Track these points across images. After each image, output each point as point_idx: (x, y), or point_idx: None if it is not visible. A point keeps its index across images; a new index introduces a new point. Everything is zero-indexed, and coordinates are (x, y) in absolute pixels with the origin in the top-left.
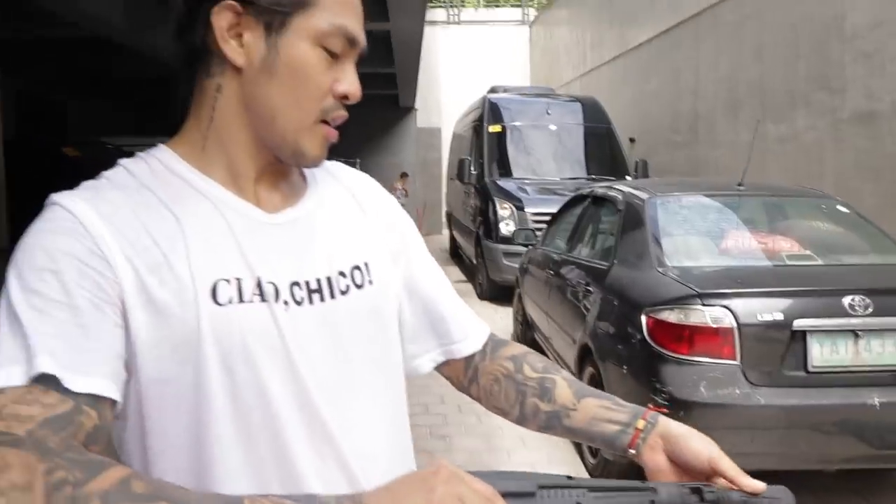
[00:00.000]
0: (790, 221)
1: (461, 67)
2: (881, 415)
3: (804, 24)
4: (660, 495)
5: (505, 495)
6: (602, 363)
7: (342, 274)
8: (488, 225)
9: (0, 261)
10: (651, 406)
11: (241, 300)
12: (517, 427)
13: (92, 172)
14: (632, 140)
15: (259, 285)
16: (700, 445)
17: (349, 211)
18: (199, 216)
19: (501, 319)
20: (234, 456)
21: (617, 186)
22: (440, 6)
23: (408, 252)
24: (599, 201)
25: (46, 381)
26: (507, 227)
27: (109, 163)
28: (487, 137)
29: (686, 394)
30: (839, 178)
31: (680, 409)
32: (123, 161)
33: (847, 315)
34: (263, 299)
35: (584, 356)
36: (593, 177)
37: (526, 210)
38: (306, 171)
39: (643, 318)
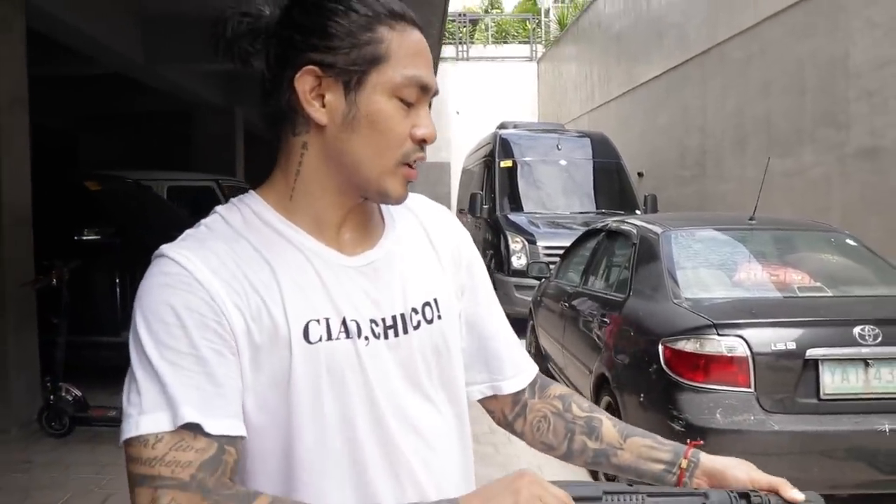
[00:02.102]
0: (801, 254)
1: (470, 102)
2: (891, 441)
3: (810, 62)
4: (711, 500)
5: (576, 499)
6: (619, 392)
7: (414, 310)
8: (500, 258)
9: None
10: (690, 441)
11: (329, 338)
12: (532, 456)
13: (112, 206)
14: (640, 175)
15: (344, 324)
16: (740, 474)
17: (422, 248)
18: (290, 264)
19: None
20: (319, 478)
21: (631, 220)
22: (450, 43)
23: (474, 288)
24: (613, 235)
25: (191, 428)
26: (518, 261)
27: (130, 196)
28: (499, 172)
29: (702, 421)
30: (846, 211)
31: (697, 435)
32: (219, 209)
33: (857, 344)
34: (348, 336)
35: (601, 385)
36: (603, 211)
37: (538, 244)
38: (384, 210)
39: (660, 348)
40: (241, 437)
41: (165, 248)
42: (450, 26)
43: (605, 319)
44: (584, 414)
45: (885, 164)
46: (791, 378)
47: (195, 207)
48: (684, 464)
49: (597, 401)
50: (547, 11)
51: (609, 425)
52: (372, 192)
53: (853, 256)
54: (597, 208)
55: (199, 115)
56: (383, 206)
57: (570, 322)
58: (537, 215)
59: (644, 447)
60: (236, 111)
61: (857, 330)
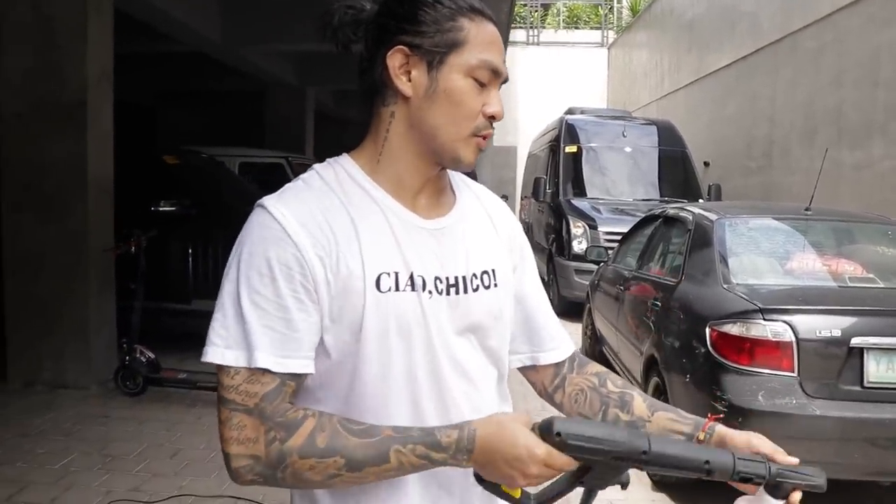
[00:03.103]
0: (855, 245)
1: (539, 87)
2: None
3: (885, 52)
4: (713, 463)
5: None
6: (667, 373)
7: (475, 275)
8: (561, 243)
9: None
10: (710, 415)
11: (396, 289)
12: None
13: (189, 178)
14: (706, 164)
15: (411, 278)
16: (741, 442)
17: (484, 226)
18: (369, 219)
19: (571, 335)
20: (378, 408)
21: (688, 207)
22: (521, 27)
23: (523, 268)
24: (670, 221)
25: (261, 371)
26: (579, 245)
27: (205, 171)
28: (563, 157)
29: (745, 402)
30: None
31: (738, 416)
32: (316, 166)
33: None
34: (413, 289)
35: (650, 367)
36: (666, 199)
37: (599, 229)
38: (455, 188)
39: (707, 331)
40: (305, 374)
41: (266, 202)
42: (521, 10)
43: (658, 303)
44: (617, 389)
45: None
46: (835, 365)
47: (265, 182)
48: (701, 436)
49: (646, 381)
50: None
51: (640, 400)
52: (447, 158)
53: None
54: (660, 196)
55: (272, 94)
56: (454, 185)
57: (624, 305)
58: (600, 201)
59: (668, 420)
60: (308, 91)
61: None
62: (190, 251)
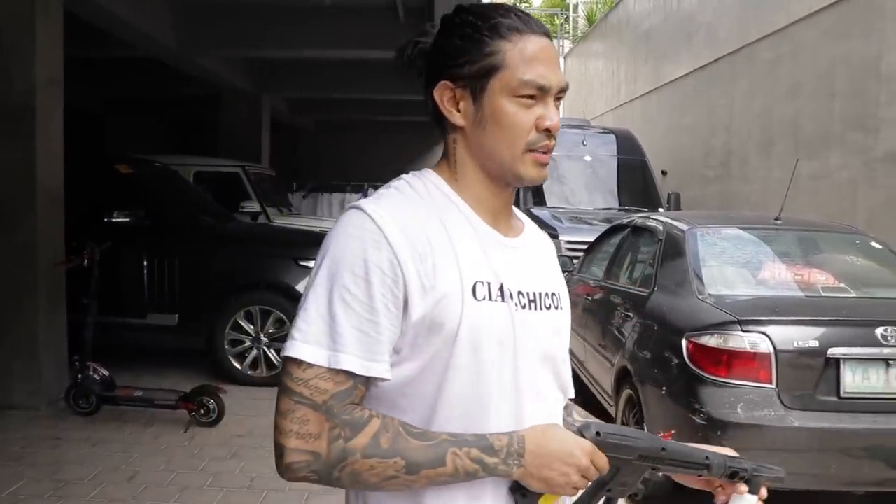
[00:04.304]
0: (825, 255)
1: None
2: None
3: (841, 64)
4: (711, 461)
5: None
6: (641, 385)
7: (546, 294)
8: None
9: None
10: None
11: (490, 299)
12: None
13: (144, 188)
14: (664, 173)
15: (501, 289)
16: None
17: (546, 255)
18: (462, 231)
19: None
20: (456, 419)
21: (657, 217)
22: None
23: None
24: (639, 231)
25: (338, 371)
26: None
27: (159, 180)
28: None
29: (724, 415)
30: (871, 215)
31: (717, 428)
32: (405, 177)
33: (879, 345)
34: (503, 300)
35: (622, 379)
36: (626, 208)
37: (560, 238)
38: (521, 218)
39: (684, 343)
40: (381, 379)
41: (364, 204)
42: None
43: (629, 314)
44: (581, 419)
45: None
46: (812, 376)
47: (221, 193)
48: None
49: (618, 394)
50: (575, 7)
51: None
52: (510, 177)
53: (877, 259)
54: (620, 205)
55: (227, 101)
56: (520, 214)
57: (591, 316)
58: (560, 210)
59: None
60: (263, 99)
61: (879, 331)
62: (145, 264)
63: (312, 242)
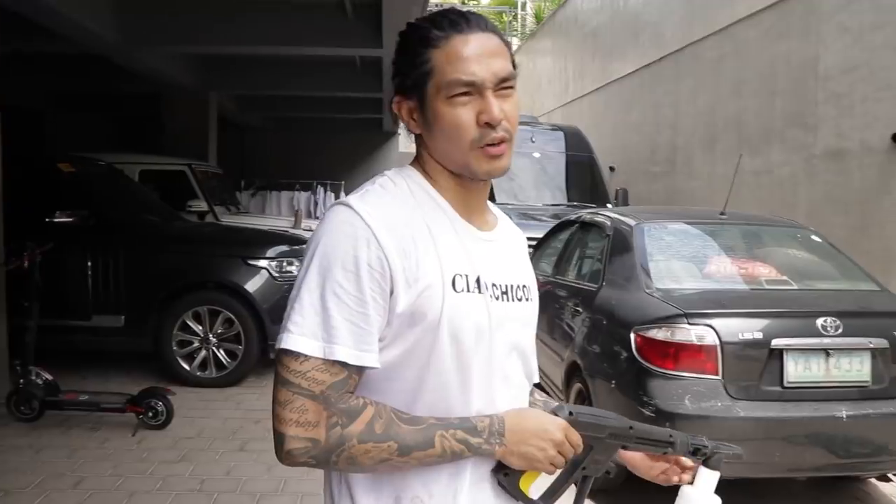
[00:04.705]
0: (768, 249)
1: None
2: (848, 427)
3: (781, 63)
4: (675, 440)
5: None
6: (591, 379)
7: (517, 286)
8: None
9: None
10: None
11: (468, 290)
12: None
13: (87, 188)
14: (612, 169)
15: (478, 281)
16: None
17: (517, 248)
18: (442, 227)
19: None
20: (436, 402)
21: (604, 213)
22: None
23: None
24: (587, 227)
25: (333, 362)
26: None
27: (103, 179)
28: None
29: (671, 406)
30: (811, 210)
31: (665, 420)
32: (387, 173)
33: (820, 335)
34: (480, 291)
35: (572, 373)
36: (574, 204)
37: None
38: (495, 212)
39: (632, 336)
40: (372, 368)
41: (352, 201)
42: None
43: (578, 309)
44: (541, 399)
45: (849, 165)
46: (757, 367)
47: (167, 192)
48: None
49: (568, 387)
50: (524, 5)
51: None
52: (467, 173)
53: (818, 252)
54: (568, 201)
55: (173, 98)
56: (494, 209)
57: (541, 311)
58: (509, 206)
59: None
60: (210, 96)
61: (819, 321)
62: (89, 265)
63: (261, 241)
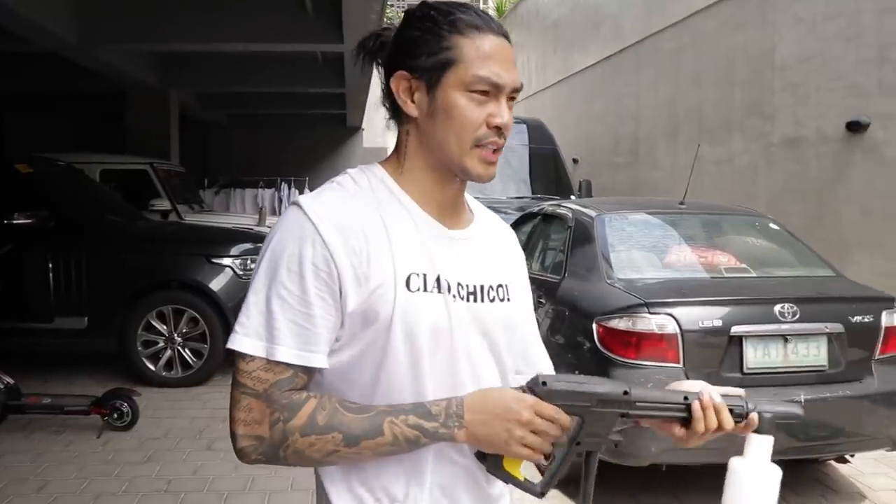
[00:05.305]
0: (727, 237)
1: None
2: (806, 411)
3: (739, 54)
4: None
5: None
6: (554, 369)
7: (491, 287)
8: None
9: None
10: None
11: (425, 290)
12: None
13: (46, 188)
14: (575, 161)
15: (438, 280)
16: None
17: (498, 246)
18: (400, 224)
19: None
20: (396, 397)
21: (566, 204)
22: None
23: (526, 296)
24: (549, 219)
25: (277, 363)
26: None
27: (62, 180)
28: None
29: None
30: (770, 198)
31: None
32: (350, 171)
33: (778, 321)
34: (440, 291)
35: None
36: (539, 196)
37: None
38: (474, 208)
39: (594, 326)
40: (318, 369)
41: (302, 201)
42: (389, 12)
43: (541, 300)
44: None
45: (806, 154)
46: (717, 354)
47: (129, 191)
48: None
49: None
50: None
51: None
52: (457, 170)
53: (776, 240)
54: (532, 194)
55: (134, 96)
56: (470, 204)
57: None
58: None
59: None
60: (171, 94)
61: (777, 308)
62: (50, 266)
63: (224, 239)
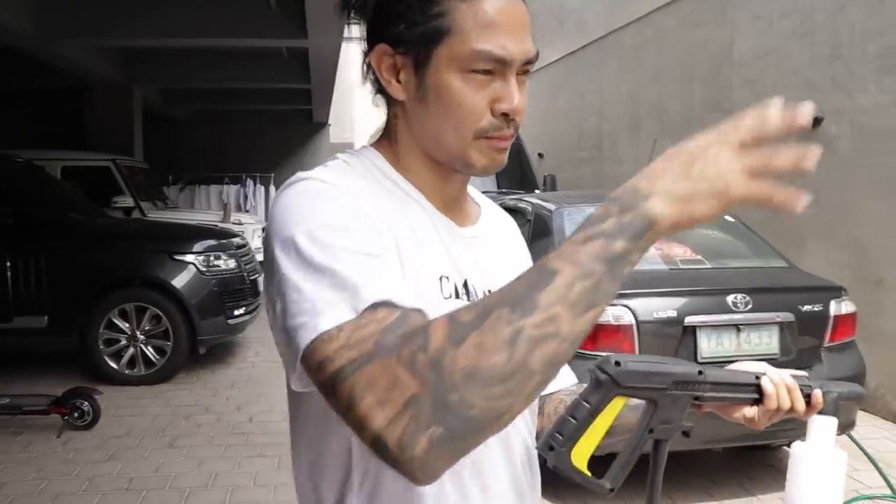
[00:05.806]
0: None
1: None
2: None
3: (699, 50)
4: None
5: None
6: None
7: None
8: None
9: None
10: None
11: (456, 296)
12: None
13: (5, 187)
14: (540, 155)
15: (465, 286)
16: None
17: (506, 243)
18: (417, 217)
19: None
20: None
21: (527, 198)
22: (357, 23)
23: None
24: (510, 213)
25: (373, 307)
26: None
27: (22, 177)
28: None
29: None
30: None
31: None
32: (340, 155)
33: (730, 311)
34: (469, 298)
35: None
36: (504, 191)
37: None
38: (477, 199)
39: None
40: (418, 309)
41: (310, 173)
42: None
43: None
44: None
45: None
46: (672, 344)
47: (91, 188)
48: None
49: None
50: None
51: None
52: (458, 165)
53: (731, 232)
54: (498, 188)
55: (96, 92)
56: (473, 196)
57: None
58: None
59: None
60: (134, 89)
61: (730, 298)
62: (8, 265)
63: (187, 236)
